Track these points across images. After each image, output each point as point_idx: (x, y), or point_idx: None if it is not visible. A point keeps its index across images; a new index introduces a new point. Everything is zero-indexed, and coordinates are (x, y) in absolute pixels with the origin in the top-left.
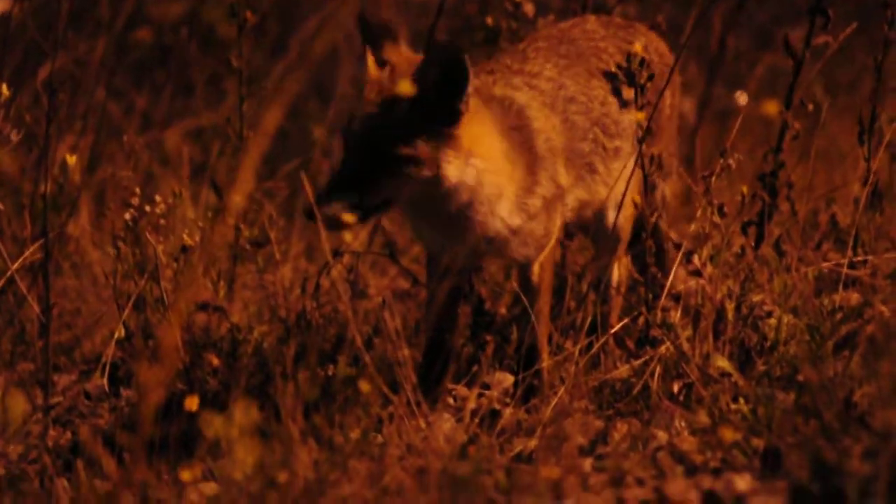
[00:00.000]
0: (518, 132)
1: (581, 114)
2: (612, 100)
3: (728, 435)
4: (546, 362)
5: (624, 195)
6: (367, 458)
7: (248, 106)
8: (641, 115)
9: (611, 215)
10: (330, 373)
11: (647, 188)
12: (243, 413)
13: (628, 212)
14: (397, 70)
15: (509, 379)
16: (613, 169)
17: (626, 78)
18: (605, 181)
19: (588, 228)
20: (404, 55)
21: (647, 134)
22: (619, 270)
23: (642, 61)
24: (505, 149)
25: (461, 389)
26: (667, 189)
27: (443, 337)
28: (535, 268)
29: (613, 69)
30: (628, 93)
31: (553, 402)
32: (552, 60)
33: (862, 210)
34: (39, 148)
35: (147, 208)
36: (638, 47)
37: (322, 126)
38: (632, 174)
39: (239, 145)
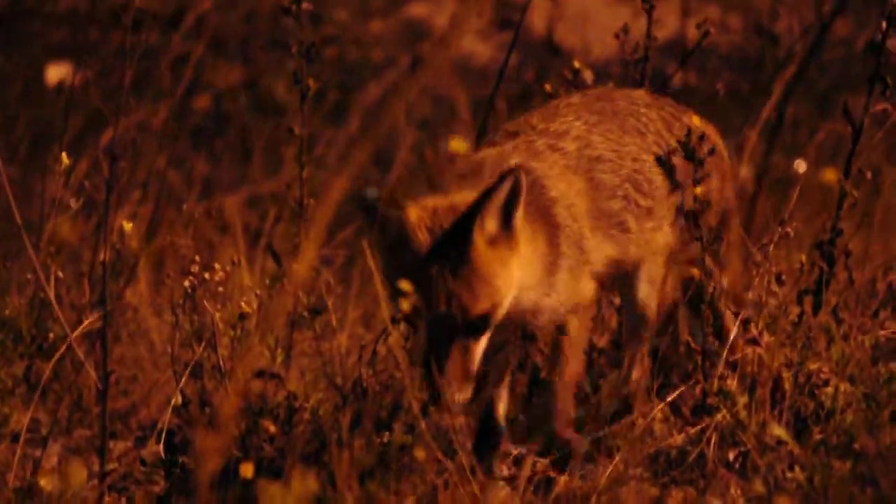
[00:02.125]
0: (535, 206)
1: (610, 172)
2: (645, 157)
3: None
4: (562, 425)
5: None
6: None
7: (307, 173)
8: (699, 190)
9: (641, 288)
10: (385, 440)
11: (703, 257)
12: (300, 481)
13: (657, 287)
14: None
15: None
16: (646, 228)
17: (685, 151)
18: (637, 240)
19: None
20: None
21: (704, 207)
22: (641, 367)
23: (702, 136)
24: (527, 236)
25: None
26: (724, 278)
27: (496, 406)
28: (569, 328)
29: (655, 138)
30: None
31: (608, 470)
32: (583, 117)
33: None
34: (99, 215)
35: (205, 276)
36: (695, 119)
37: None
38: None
39: (299, 212)
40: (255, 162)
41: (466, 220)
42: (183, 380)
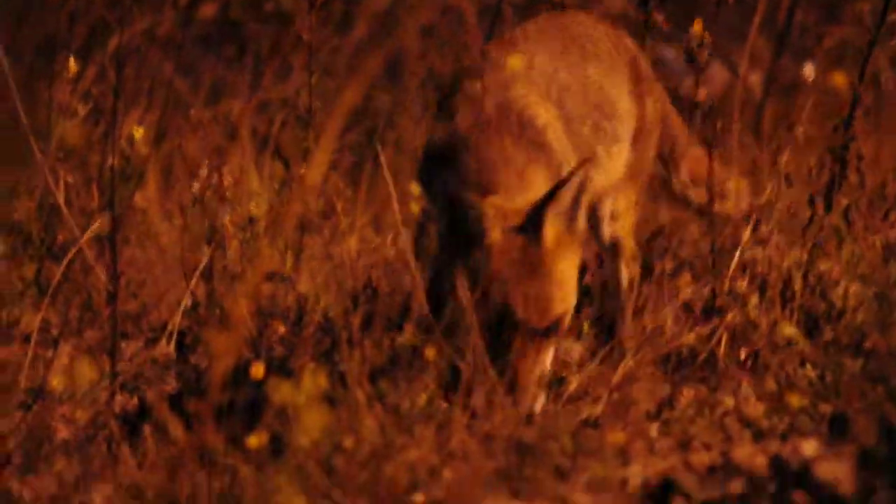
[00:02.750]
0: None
1: (580, 102)
2: (605, 81)
3: (795, 401)
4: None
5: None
6: (432, 424)
7: (315, 80)
8: (703, 93)
9: (605, 226)
10: (396, 340)
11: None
12: (311, 379)
13: (629, 213)
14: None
15: (577, 348)
16: (613, 153)
17: (687, 56)
18: (605, 169)
19: None
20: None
21: (711, 111)
22: (628, 271)
23: (702, 41)
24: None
25: None
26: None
27: None
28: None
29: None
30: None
31: (620, 369)
32: (545, 47)
33: None
34: (107, 121)
35: (214, 180)
36: (697, 27)
37: (388, 96)
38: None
39: (308, 119)
40: (263, 69)
41: (536, 220)
42: (193, 282)
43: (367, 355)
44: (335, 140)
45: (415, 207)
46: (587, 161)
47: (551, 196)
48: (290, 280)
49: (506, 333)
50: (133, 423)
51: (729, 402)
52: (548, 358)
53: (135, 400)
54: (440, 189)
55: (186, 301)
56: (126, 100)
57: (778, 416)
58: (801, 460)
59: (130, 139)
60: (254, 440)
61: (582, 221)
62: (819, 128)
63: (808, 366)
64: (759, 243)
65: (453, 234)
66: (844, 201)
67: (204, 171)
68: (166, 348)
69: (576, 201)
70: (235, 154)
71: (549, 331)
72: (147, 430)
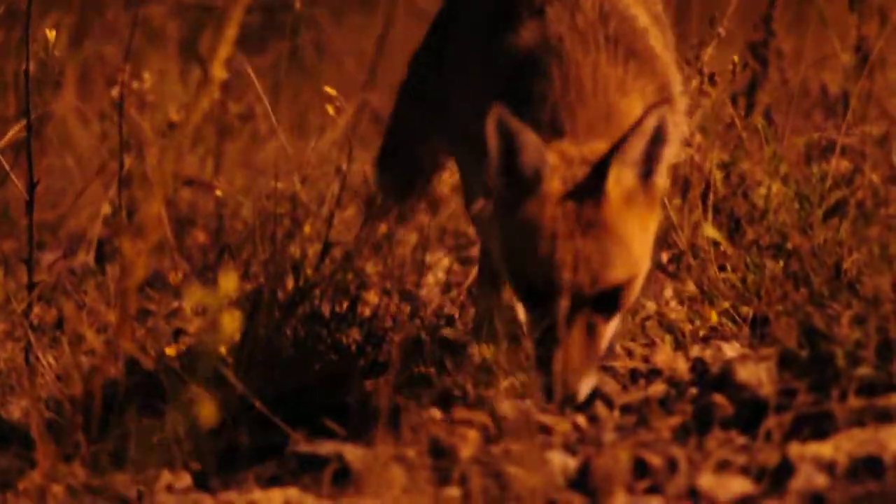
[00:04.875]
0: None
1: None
2: None
3: (717, 304)
4: None
5: None
6: (354, 328)
7: None
8: None
9: None
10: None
11: None
12: (227, 281)
13: None
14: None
15: None
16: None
17: None
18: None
19: None
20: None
21: None
22: None
23: None
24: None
25: None
26: None
27: None
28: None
29: None
30: None
31: None
32: None
33: (852, 78)
34: (22, 25)
35: (134, 85)
36: None
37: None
38: None
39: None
40: None
41: (600, 171)
42: (112, 190)
43: (286, 263)
44: (237, 31)
45: (331, 110)
46: (663, 102)
47: (619, 144)
48: (210, 186)
49: (550, 304)
50: (51, 334)
51: (651, 306)
52: (603, 336)
53: (53, 311)
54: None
55: (105, 209)
56: (41, 2)
57: (700, 319)
58: (722, 363)
59: (45, 43)
60: (171, 349)
61: (663, 177)
62: (742, 25)
63: (730, 268)
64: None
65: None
66: (766, 100)
67: (123, 77)
68: (84, 257)
69: (652, 152)
70: (155, 59)
71: (605, 301)
72: (65, 341)
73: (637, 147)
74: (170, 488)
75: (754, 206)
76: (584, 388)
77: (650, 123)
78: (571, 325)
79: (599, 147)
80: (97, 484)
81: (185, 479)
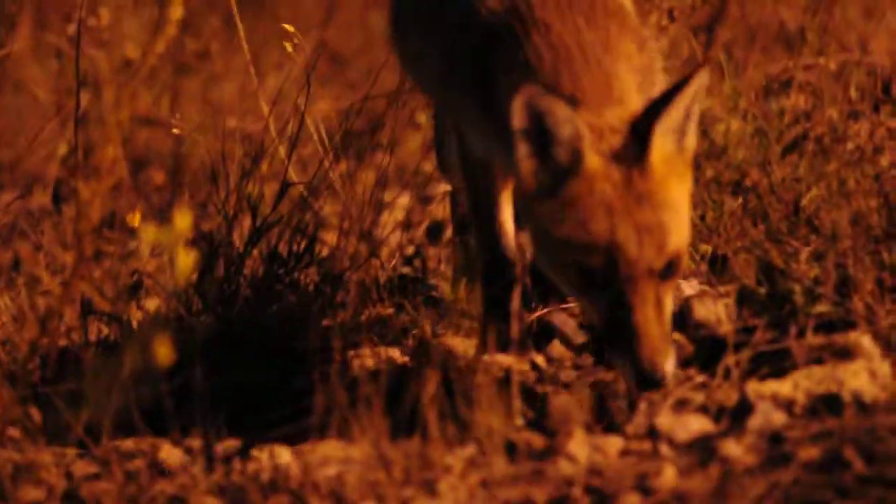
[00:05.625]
0: None
1: None
2: None
3: None
4: None
5: None
6: (312, 268)
7: None
8: None
9: None
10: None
11: None
12: (182, 219)
13: None
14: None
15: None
16: None
17: None
18: None
19: None
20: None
21: None
22: None
23: None
24: None
25: None
26: None
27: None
28: None
29: None
30: None
31: None
32: None
33: (810, 12)
34: None
35: (90, 22)
36: None
37: None
38: None
39: None
40: None
41: (640, 139)
42: (69, 130)
43: (243, 203)
44: None
45: (289, 47)
46: (700, 67)
47: (661, 107)
48: (166, 125)
49: (617, 285)
50: (8, 275)
51: None
52: (670, 307)
53: (9, 253)
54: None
55: (62, 150)
56: None
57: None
58: (680, 301)
59: None
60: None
61: (693, 137)
62: None
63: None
64: None
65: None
66: (725, 35)
67: (79, 14)
68: (41, 198)
69: (688, 112)
70: None
71: (668, 271)
72: (21, 282)
73: (679, 112)
74: (126, 430)
75: (713, 142)
76: (670, 367)
77: (693, 88)
78: (645, 303)
79: (619, 114)
80: (53, 426)
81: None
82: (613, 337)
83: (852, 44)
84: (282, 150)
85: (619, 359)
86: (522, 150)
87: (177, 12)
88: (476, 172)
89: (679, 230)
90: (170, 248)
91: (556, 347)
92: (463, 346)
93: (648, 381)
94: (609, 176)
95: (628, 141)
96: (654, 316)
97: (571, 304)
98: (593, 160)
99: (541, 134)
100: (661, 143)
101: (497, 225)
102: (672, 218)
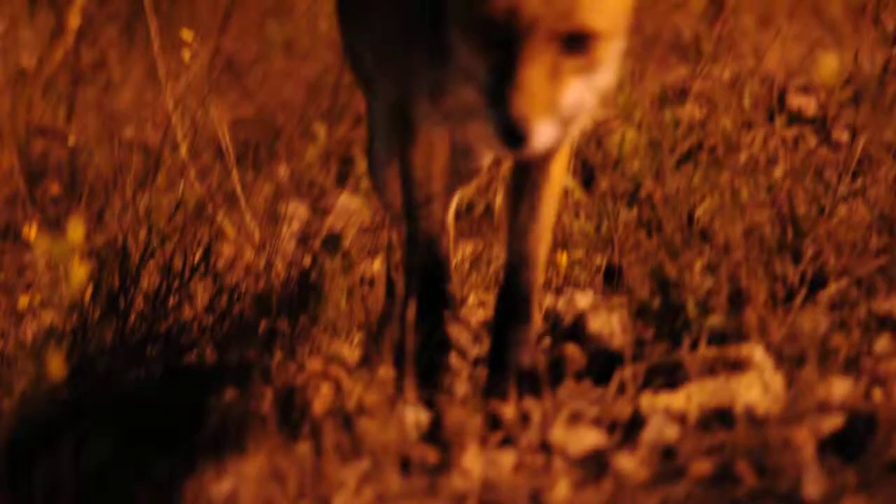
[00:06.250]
0: None
1: None
2: None
3: (570, 253)
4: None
5: None
6: (207, 281)
7: None
8: None
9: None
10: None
11: None
12: (75, 231)
13: None
14: None
15: (355, 202)
16: None
17: None
18: None
19: None
20: None
21: None
22: None
23: None
24: None
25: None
26: None
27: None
28: (554, 167)
29: None
30: None
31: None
32: None
33: (705, 21)
34: None
35: None
36: None
37: None
38: None
39: None
40: None
41: None
42: None
43: (140, 213)
44: None
45: (187, 56)
46: None
47: None
48: (62, 135)
49: (509, 44)
50: None
51: (504, 255)
52: (568, 84)
53: None
54: None
55: None
56: None
57: (553, 268)
58: (575, 313)
59: None
60: (23, 301)
61: None
62: None
63: (584, 217)
64: None
65: None
66: None
67: None
68: None
69: None
70: (4, 4)
71: (574, 45)
72: None
73: None
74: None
75: (607, 153)
76: (542, 131)
77: None
78: (534, 63)
79: None
80: None
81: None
82: (491, 90)
83: (747, 53)
84: (178, 161)
85: (488, 111)
86: None
87: (74, 21)
88: (418, 167)
89: (596, 8)
90: (63, 260)
91: (451, 359)
92: (352, 354)
93: (510, 135)
94: None
95: None
96: (540, 78)
97: (465, 317)
98: None
99: None
100: None
101: (437, 233)
102: None
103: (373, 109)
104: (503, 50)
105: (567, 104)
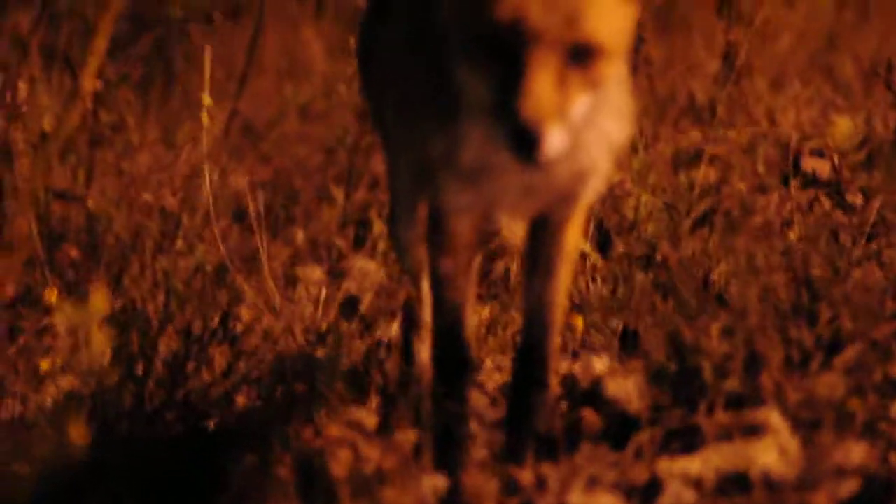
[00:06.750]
0: None
1: None
2: None
3: (586, 316)
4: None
5: None
6: (226, 345)
7: None
8: None
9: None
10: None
11: None
12: (99, 299)
13: None
14: None
15: (372, 266)
16: None
17: None
18: None
19: None
20: None
21: None
22: None
23: None
24: None
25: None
26: None
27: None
28: (568, 235)
29: None
30: None
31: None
32: None
33: (719, 85)
34: None
35: (6, 96)
36: None
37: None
38: None
39: (94, 26)
40: None
41: None
42: None
43: (158, 278)
44: (106, 43)
45: (205, 119)
46: None
47: None
48: (81, 199)
49: (515, 56)
50: None
51: (520, 319)
52: (576, 94)
53: None
54: None
55: None
56: None
57: (570, 332)
58: (592, 377)
59: None
60: (45, 364)
61: None
62: None
63: (600, 280)
64: None
65: None
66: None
67: None
68: None
69: None
70: (24, 68)
71: (581, 57)
72: None
73: None
74: None
75: (623, 216)
76: (554, 137)
77: None
78: (541, 71)
79: None
80: None
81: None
82: (498, 99)
83: (761, 116)
84: (197, 224)
85: (495, 121)
86: None
87: (91, 84)
88: (442, 240)
89: (603, 24)
90: (85, 327)
91: (469, 424)
92: (370, 419)
93: (522, 142)
94: None
95: None
96: (548, 85)
97: (482, 381)
98: None
99: None
100: None
101: (462, 304)
102: (593, 8)
103: (394, 171)
104: (509, 63)
105: (575, 115)
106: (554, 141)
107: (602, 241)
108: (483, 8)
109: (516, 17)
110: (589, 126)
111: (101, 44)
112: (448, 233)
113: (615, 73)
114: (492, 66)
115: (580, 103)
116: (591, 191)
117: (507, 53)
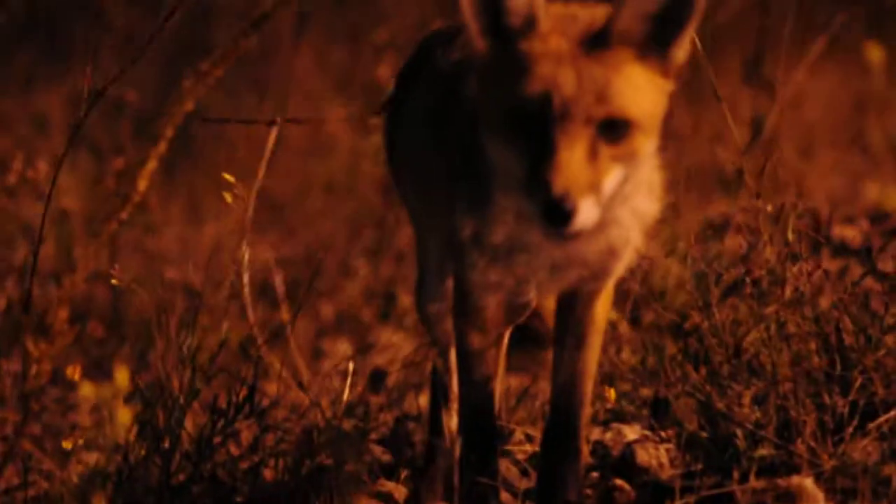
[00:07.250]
0: None
1: None
2: None
3: (616, 385)
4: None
5: None
6: (252, 419)
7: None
8: None
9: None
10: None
11: None
12: (123, 377)
13: None
14: None
15: (398, 337)
16: None
17: None
18: None
19: None
20: None
21: None
22: None
23: None
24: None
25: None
26: None
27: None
28: (597, 308)
29: None
30: None
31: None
32: None
33: (746, 154)
34: None
35: (29, 174)
36: None
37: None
38: None
39: (120, 108)
40: (73, 59)
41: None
42: (7, 282)
43: (183, 352)
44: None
45: (229, 198)
46: None
47: None
48: (107, 277)
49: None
50: None
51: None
52: (607, 167)
53: None
54: None
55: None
56: None
57: (600, 402)
58: (622, 446)
59: None
60: (68, 443)
61: (682, 51)
62: None
63: (629, 350)
64: None
65: None
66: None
67: (18, 164)
68: None
69: (674, 15)
70: (45, 147)
71: (611, 131)
72: None
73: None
74: None
75: (652, 286)
76: (586, 210)
77: None
78: (573, 145)
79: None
80: None
81: None
82: (529, 173)
83: (789, 184)
84: (221, 300)
85: (527, 194)
86: (473, 27)
87: (143, 184)
88: (469, 316)
89: (633, 100)
90: (109, 404)
91: (500, 495)
92: (399, 492)
93: (554, 212)
94: (564, 35)
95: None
96: (579, 159)
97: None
98: (547, 22)
99: (491, 6)
100: (628, 20)
101: (490, 378)
102: (624, 83)
103: (421, 246)
104: (540, 137)
105: (607, 189)
106: (586, 214)
107: (632, 310)
108: (513, 83)
109: (547, 91)
110: (620, 201)
111: (158, 150)
112: (476, 309)
113: (647, 147)
114: (522, 140)
115: (612, 177)
116: (622, 266)
117: (537, 128)
